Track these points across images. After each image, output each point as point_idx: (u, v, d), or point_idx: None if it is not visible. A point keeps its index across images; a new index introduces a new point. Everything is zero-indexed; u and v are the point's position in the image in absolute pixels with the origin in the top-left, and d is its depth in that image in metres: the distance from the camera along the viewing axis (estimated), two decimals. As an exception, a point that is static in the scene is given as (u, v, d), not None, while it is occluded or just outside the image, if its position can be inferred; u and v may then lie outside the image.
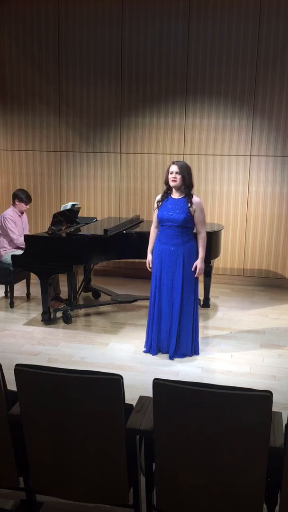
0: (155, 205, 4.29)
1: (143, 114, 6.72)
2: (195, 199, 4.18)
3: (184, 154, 6.67)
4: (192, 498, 2.06)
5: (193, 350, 4.36)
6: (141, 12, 6.50)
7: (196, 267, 4.19)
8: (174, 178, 4.13)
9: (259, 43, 6.23)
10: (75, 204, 5.72)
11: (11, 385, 2.19)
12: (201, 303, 5.73)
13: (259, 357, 4.39)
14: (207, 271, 5.65)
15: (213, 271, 6.00)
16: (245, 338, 4.83)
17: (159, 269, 4.24)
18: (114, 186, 6.98)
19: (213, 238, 5.45)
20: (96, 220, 6.13)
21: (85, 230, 5.23)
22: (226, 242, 6.63)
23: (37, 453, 2.20)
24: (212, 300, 5.82)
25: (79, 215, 5.86)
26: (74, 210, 5.65)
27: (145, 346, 4.45)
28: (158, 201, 4.27)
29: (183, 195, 4.18)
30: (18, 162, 7.23)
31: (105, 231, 4.88)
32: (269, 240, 6.63)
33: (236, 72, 6.35)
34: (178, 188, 4.18)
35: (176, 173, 4.12)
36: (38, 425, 2.15)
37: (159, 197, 4.30)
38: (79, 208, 5.88)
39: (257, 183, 6.53)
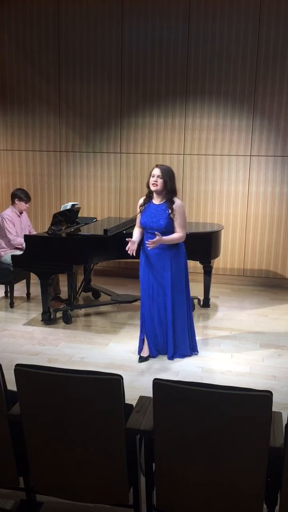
0: (138, 209, 4.19)
1: (143, 114, 6.72)
2: (176, 203, 4.03)
3: (184, 154, 6.67)
4: (192, 498, 2.06)
5: (192, 349, 4.35)
6: (141, 12, 6.50)
7: (157, 241, 3.91)
8: (155, 182, 3.98)
9: (259, 43, 6.22)
10: (75, 204, 5.72)
11: (11, 385, 2.19)
12: (201, 303, 5.74)
13: (259, 357, 4.39)
14: (207, 271, 5.66)
15: (213, 271, 5.99)
16: (245, 338, 4.83)
17: (147, 274, 4.17)
18: (114, 186, 6.98)
19: (213, 238, 5.45)
20: (96, 220, 6.13)
21: (85, 230, 5.23)
22: (226, 242, 6.63)
23: (37, 453, 2.20)
24: (212, 300, 5.82)
25: (79, 215, 5.86)
26: (74, 210, 5.65)
27: (141, 353, 4.33)
28: (141, 205, 4.16)
29: (164, 200, 4.05)
30: (18, 162, 7.23)
31: (105, 231, 4.88)
32: (269, 240, 6.63)
33: (236, 72, 6.34)
34: (159, 193, 4.05)
35: (158, 176, 3.98)
36: (38, 425, 2.15)
37: (141, 201, 4.18)
38: (79, 208, 5.88)
39: (257, 183, 6.53)
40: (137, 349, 4.46)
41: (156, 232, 3.95)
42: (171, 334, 4.23)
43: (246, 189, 6.56)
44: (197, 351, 4.40)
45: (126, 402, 2.10)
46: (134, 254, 4.12)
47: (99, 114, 6.86)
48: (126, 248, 4.10)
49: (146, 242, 4.01)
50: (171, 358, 4.27)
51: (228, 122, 6.48)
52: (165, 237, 3.99)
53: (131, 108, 6.74)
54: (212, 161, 6.61)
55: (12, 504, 2.28)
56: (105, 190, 7.02)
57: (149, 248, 4.03)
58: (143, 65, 6.61)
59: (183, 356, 4.30)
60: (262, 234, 6.63)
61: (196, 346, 4.41)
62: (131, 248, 4.10)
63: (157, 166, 4.06)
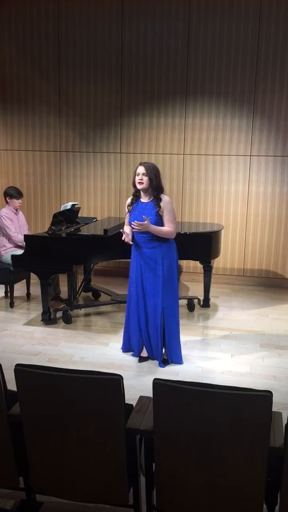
0: (126, 210, 4.15)
1: (143, 114, 6.72)
2: (164, 200, 3.97)
3: (184, 154, 6.67)
4: (192, 498, 2.06)
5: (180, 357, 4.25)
6: (141, 12, 6.50)
7: (145, 225, 3.85)
8: (141, 180, 3.93)
9: (259, 43, 6.23)
10: (75, 204, 5.73)
11: (11, 385, 2.19)
12: (201, 303, 5.74)
13: (259, 357, 4.39)
14: (207, 271, 5.66)
15: (213, 271, 5.99)
16: (245, 338, 4.83)
17: (140, 275, 4.11)
18: (114, 186, 6.98)
19: (213, 238, 5.45)
20: (96, 220, 6.13)
21: (85, 230, 5.23)
22: (226, 242, 6.63)
23: (37, 453, 2.20)
24: (212, 300, 5.82)
25: (79, 215, 5.86)
26: (74, 210, 5.65)
27: (141, 353, 4.31)
28: (128, 205, 4.12)
29: (152, 198, 4.02)
30: (18, 162, 7.23)
31: (105, 231, 4.88)
32: (269, 240, 6.63)
33: (236, 72, 6.35)
34: (145, 191, 4.00)
35: (143, 174, 3.91)
36: (38, 425, 2.15)
37: (128, 201, 4.14)
38: (79, 208, 5.88)
39: (257, 183, 6.53)
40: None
41: (144, 216, 3.89)
42: (161, 338, 4.13)
43: (246, 189, 6.56)
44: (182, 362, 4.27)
45: (126, 402, 2.10)
46: (132, 242, 4.08)
47: (99, 114, 6.86)
48: (123, 238, 4.06)
49: (132, 222, 3.93)
50: (162, 365, 4.16)
51: (228, 122, 6.49)
52: (153, 226, 3.92)
53: (131, 108, 6.74)
54: (212, 161, 6.61)
55: (12, 504, 2.28)
56: (105, 190, 7.02)
57: (135, 229, 3.94)
58: (143, 65, 6.61)
59: (174, 363, 4.19)
60: (262, 234, 6.63)
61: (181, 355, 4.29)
62: (127, 239, 4.05)
63: (141, 164, 4.00)
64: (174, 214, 4.06)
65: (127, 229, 4.15)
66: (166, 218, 3.97)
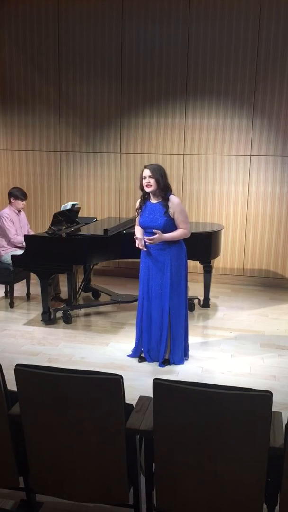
0: (136, 213, 4.19)
1: (143, 114, 6.72)
2: (173, 200, 4.00)
3: (184, 154, 6.67)
4: (192, 498, 2.06)
5: (185, 356, 4.27)
6: (141, 12, 6.50)
7: (157, 238, 3.94)
8: (148, 182, 3.96)
9: (259, 43, 6.22)
10: (75, 204, 5.73)
11: (11, 385, 2.19)
12: (201, 303, 5.74)
13: (259, 357, 4.39)
14: (207, 271, 5.66)
15: (213, 271, 5.99)
16: (245, 338, 4.83)
17: (147, 275, 4.13)
18: (114, 186, 6.98)
19: (213, 238, 5.45)
20: (96, 220, 6.13)
21: (85, 230, 5.23)
22: (226, 242, 6.63)
23: (37, 453, 2.20)
24: (212, 300, 5.82)
25: (79, 215, 5.86)
26: (74, 210, 5.65)
27: (135, 353, 4.34)
28: (137, 209, 4.14)
29: (160, 199, 4.03)
30: (18, 162, 7.23)
31: (105, 231, 4.88)
32: (269, 240, 6.63)
33: (236, 72, 6.34)
34: (154, 193, 4.03)
35: (149, 177, 3.95)
36: (38, 425, 2.15)
37: (137, 204, 4.16)
38: (79, 208, 5.88)
39: (257, 183, 6.53)
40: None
41: (154, 230, 3.94)
42: (165, 339, 4.13)
43: (246, 189, 6.56)
44: (188, 357, 4.31)
45: (126, 402, 2.10)
46: (146, 249, 4.10)
47: (99, 114, 6.86)
48: (137, 245, 4.11)
49: (145, 238, 4.01)
50: (162, 365, 4.17)
51: (228, 122, 6.48)
52: (166, 234, 3.97)
53: (131, 108, 6.74)
54: (212, 161, 6.61)
55: (12, 504, 2.28)
56: (105, 190, 7.02)
57: (147, 243, 4.01)
58: (143, 65, 6.61)
59: (175, 364, 4.20)
60: (262, 234, 6.63)
61: (188, 352, 4.33)
62: (141, 244, 4.09)
63: (145, 167, 4.02)
64: (185, 213, 4.12)
65: (138, 233, 4.18)
66: (179, 219, 4.00)
